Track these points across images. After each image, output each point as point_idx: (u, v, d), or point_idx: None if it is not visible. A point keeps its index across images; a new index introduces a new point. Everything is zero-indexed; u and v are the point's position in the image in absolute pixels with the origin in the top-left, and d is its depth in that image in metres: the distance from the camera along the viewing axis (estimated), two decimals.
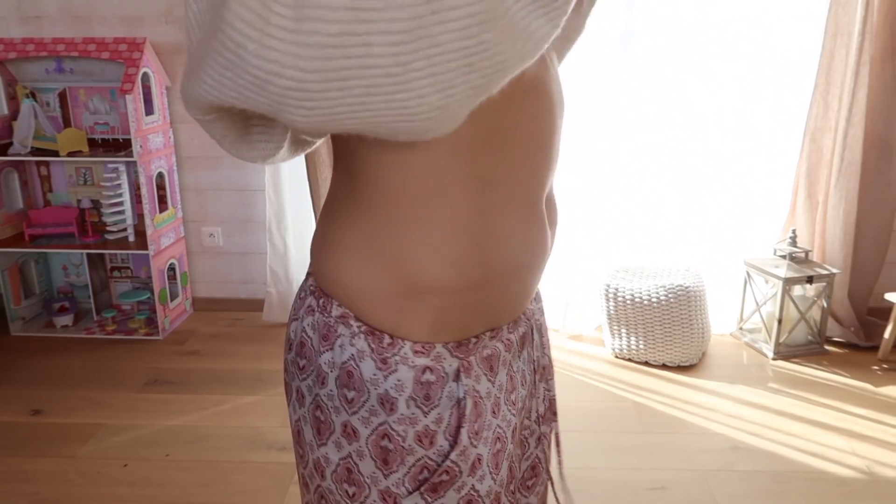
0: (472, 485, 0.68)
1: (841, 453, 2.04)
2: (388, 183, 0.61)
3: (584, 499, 1.85)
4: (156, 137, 2.73)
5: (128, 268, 3.02)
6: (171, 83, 2.81)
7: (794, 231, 2.68)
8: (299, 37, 0.46)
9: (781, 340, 2.64)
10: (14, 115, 2.73)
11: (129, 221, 2.81)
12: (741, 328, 2.81)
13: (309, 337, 0.68)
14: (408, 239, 0.62)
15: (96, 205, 2.88)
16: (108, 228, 2.77)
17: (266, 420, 2.22)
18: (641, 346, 2.58)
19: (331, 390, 0.66)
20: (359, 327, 0.64)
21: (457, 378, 0.66)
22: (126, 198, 2.79)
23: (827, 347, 2.71)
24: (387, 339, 0.64)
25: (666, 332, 2.53)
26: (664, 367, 2.57)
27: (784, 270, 2.57)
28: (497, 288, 0.66)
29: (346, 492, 0.67)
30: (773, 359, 2.63)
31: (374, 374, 0.64)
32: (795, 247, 2.66)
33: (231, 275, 3.05)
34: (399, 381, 0.64)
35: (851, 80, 2.51)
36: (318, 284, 0.68)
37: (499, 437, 0.71)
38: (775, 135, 2.71)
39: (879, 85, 2.57)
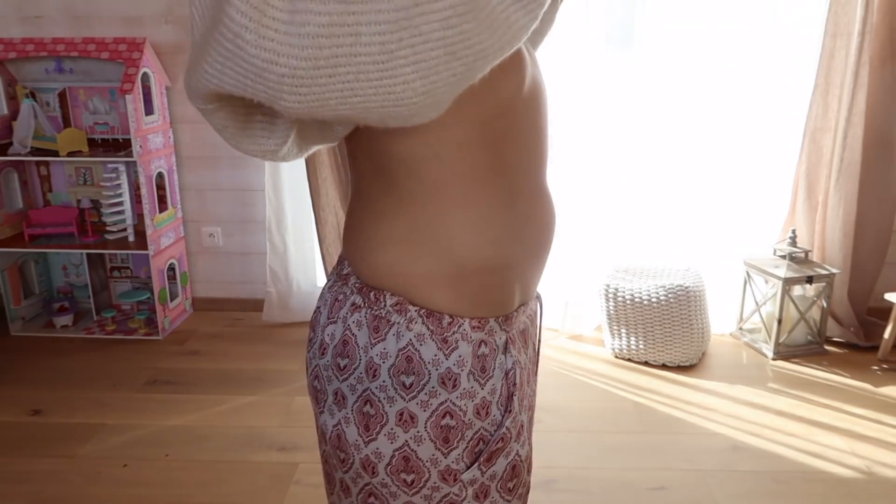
0: (517, 450, 0.73)
1: (840, 453, 2.04)
2: (429, 176, 0.66)
3: (584, 499, 1.85)
4: (155, 137, 2.73)
5: (127, 268, 3.02)
6: (170, 83, 2.81)
7: (793, 231, 2.68)
8: (293, 27, 0.50)
9: (781, 340, 2.64)
10: (14, 115, 2.73)
11: (129, 221, 2.81)
12: (741, 328, 2.81)
13: (353, 334, 0.70)
14: (454, 225, 0.67)
15: (96, 205, 2.87)
16: (107, 228, 2.77)
17: (266, 420, 2.22)
18: (641, 347, 2.58)
19: (384, 381, 0.68)
20: (417, 311, 0.68)
21: (505, 350, 0.72)
22: (126, 198, 2.79)
23: (827, 347, 2.71)
24: (446, 320, 0.68)
25: (666, 332, 2.53)
26: (664, 367, 2.58)
27: (784, 270, 2.58)
28: (527, 263, 0.73)
29: (405, 480, 0.69)
30: (773, 359, 2.63)
31: (436, 355, 0.68)
32: (795, 247, 2.66)
33: (231, 275, 3.05)
34: (460, 356, 0.68)
35: (851, 80, 2.51)
36: (366, 280, 0.71)
37: (531, 406, 0.78)
38: (775, 135, 2.71)
39: (879, 85, 2.57)
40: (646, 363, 2.60)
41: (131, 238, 2.80)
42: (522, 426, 0.74)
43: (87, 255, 2.84)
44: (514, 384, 0.71)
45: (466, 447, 0.69)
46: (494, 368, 0.70)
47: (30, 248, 2.72)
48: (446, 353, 0.68)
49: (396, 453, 0.69)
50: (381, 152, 0.68)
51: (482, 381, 0.69)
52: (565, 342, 2.81)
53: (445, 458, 0.69)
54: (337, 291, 0.74)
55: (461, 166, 0.66)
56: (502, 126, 0.67)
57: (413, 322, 0.68)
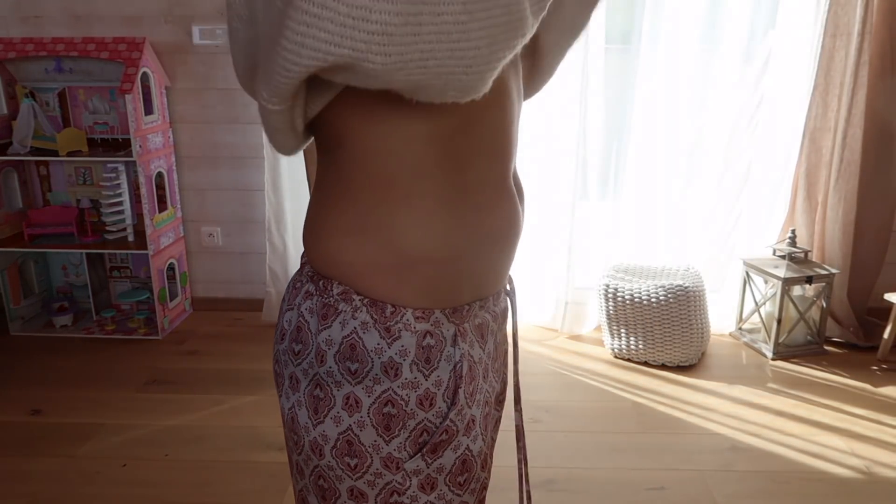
0: (467, 444, 0.73)
1: (840, 453, 2.04)
2: (376, 168, 0.67)
3: (583, 499, 1.85)
4: (155, 137, 2.73)
5: (127, 267, 3.02)
6: (170, 83, 2.81)
7: (793, 231, 2.68)
8: None
9: (781, 341, 2.64)
10: (13, 114, 2.73)
11: (129, 221, 2.81)
12: (740, 328, 2.82)
13: (306, 321, 0.72)
14: (399, 216, 0.68)
15: (96, 204, 2.87)
16: (107, 228, 2.77)
17: (265, 420, 2.22)
18: (641, 347, 2.58)
19: (330, 367, 0.69)
20: (361, 300, 0.69)
21: (454, 342, 0.72)
22: (125, 197, 2.79)
23: (826, 348, 2.71)
24: (389, 309, 0.69)
25: (665, 332, 2.53)
26: (663, 367, 2.58)
27: (783, 271, 2.58)
28: (480, 257, 0.72)
29: (348, 464, 0.70)
30: (773, 359, 2.63)
31: (378, 344, 0.69)
32: (795, 247, 2.66)
33: (230, 274, 3.05)
34: (403, 346, 0.69)
35: (851, 80, 2.51)
36: (316, 269, 0.72)
37: (486, 401, 0.77)
38: (775, 135, 2.71)
39: (879, 85, 2.57)
40: (645, 363, 2.60)
41: (131, 238, 2.80)
42: (473, 420, 0.74)
43: (87, 254, 2.84)
44: (461, 377, 0.71)
45: (409, 437, 0.70)
46: (440, 360, 0.71)
47: (29, 248, 2.72)
48: (389, 341, 0.69)
49: (341, 437, 0.70)
50: (333, 141, 0.69)
51: (426, 372, 0.70)
52: (565, 342, 2.81)
53: (387, 445, 0.70)
54: (296, 280, 0.76)
55: (410, 160, 0.66)
56: (455, 122, 0.67)
57: (357, 311, 0.69)
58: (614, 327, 2.63)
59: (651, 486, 1.90)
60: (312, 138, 0.74)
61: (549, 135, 2.69)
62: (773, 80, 2.66)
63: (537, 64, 0.79)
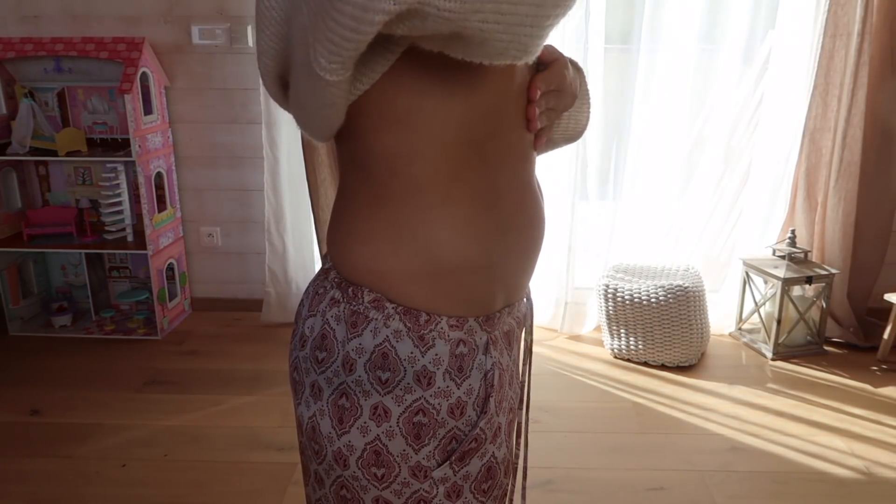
0: (493, 452, 0.73)
1: (840, 454, 2.04)
2: (410, 174, 0.66)
3: (583, 499, 1.85)
4: (154, 137, 2.73)
5: (126, 268, 3.02)
6: (169, 83, 2.81)
7: (793, 231, 2.67)
8: None
9: (780, 341, 2.63)
10: (13, 114, 2.72)
11: (128, 221, 2.81)
12: (740, 328, 2.81)
13: (332, 328, 0.70)
14: (435, 222, 0.67)
15: (95, 205, 2.87)
16: (106, 228, 2.77)
17: (264, 420, 2.22)
18: (640, 347, 2.58)
19: (359, 376, 0.68)
20: (394, 308, 0.68)
21: (486, 351, 0.71)
22: (125, 198, 2.78)
23: (826, 348, 2.71)
24: (423, 317, 0.68)
25: (665, 332, 2.53)
26: (663, 367, 2.57)
27: (783, 271, 2.57)
28: (513, 262, 0.72)
29: (375, 475, 0.69)
30: (772, 359, 2.63)
31: (412, 352, 0.68)
32: (794, 247, 2.66)
33: (230, 275, 3.05)
34: (437, 355, 0.68)
35: (851, 80, 2.51)
36: (345, 276, 0.71)
37: (511, 408, 0.77)
38: (775, 135, 2.71)
39: (878, 85, 2.57)
40: (645, 363, 2.60)
41: (130, 238, 2.80)
42: (500, 428, 0.73)
43: (86, 254, 2.84)
44: (492, 386, 0.71)
45: (438, 445, 0.69)
46: (472, 369, 0.70)
47: (28, 248, 2.71)
48: (422, 350, 0.68)
49: (368, 447, 0.69)
50: (363, 148, 0.68)
51: (458, 381, 0.69)
52: (564, 342, 2.80)
53: (416, 454, 0.69)
54: (318, 285, 0.74)
55: (444, 165, 0.66)
56: (488, 126, 0.67)
57: (390, 319, 0.68)
58: (614, 327, 2.63)
59: (651, 486, 1.90)
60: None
61: None
62: (773, 80, 2.66)
63: None
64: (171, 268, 2.90)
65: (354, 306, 0.69)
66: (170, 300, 2.90)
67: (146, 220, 2.69)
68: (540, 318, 2.91)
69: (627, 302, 2.56)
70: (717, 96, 2.70)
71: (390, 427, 0.68)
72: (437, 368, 0.68)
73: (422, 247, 0.67)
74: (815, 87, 2.58)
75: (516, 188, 0.71)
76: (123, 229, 2.80)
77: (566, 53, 0.80)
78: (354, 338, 0.68)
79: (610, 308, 2.61)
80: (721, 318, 2.84)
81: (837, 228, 2.66)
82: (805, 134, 2.64)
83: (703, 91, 2.70)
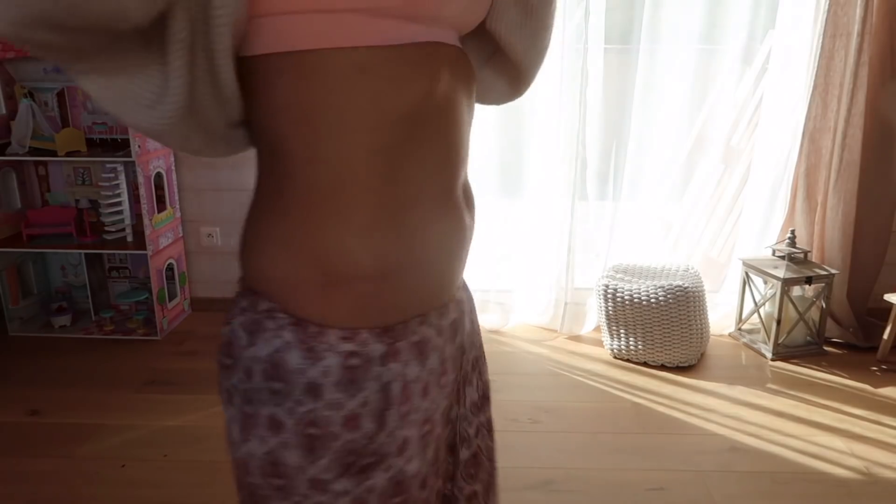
0: (401, 466, 0.70)
1: (839, 454, 2.04)
2: (310, 179, 0.64)
3: (582, 499, 1.85)
4: None
5: (126, 268, 3.02)
6: None
7: (792, 231, 2.67)
8: None
9: (780, 341, 2.63)
10: (12, 114, 2.72)
11: (128, 221, 2.81)
12: (740, 329, 2.81)
13: (238, 336, 0.69)
14: (329, 230, 0.65)
15: (94, 205, 2.87)
16: (106, 228, 2.77)
17: None
18: (640, 347, 2.58)
19: (257, 385, 0.67)
20: (285, 319, 0.66)
21: (383, 363, 0.68)
22: (124, 198, 2.78)
23: (826, 348, 2.71)
24: (312, 329, 0.66)
25: (664, 332, 2.53)
26: (663, 367, 2.57)
27: (783, 271, 2.57)
28: (419, 273, 0.69)
29: (273, 485, 0.68)
30: (772, 359, 2.63)
31: (300, 364, 0.66)
32: (794, 247, 2.66)
33: (229, 275, 3.05)
34: (326, 367, 0.66)
35: (850, 80, 2.51)
36: (248, 282, 0.70)
37: (427, 420, 0.73)
38: (775, 135, 2.71)
39: (878, 85, 2.57)
40: (644, 364, 2.60)
41: (130, 238, 2.80)
42: (406, 441, 0.70)
43: (86, 255, 2.84)
44: (391, 398, 0.68)
45: (335, 458, 0.67)
46: (367, 381, 0.67)
47: (28, 249, 2.71)
48: (311, 362, 0.66)
49: (266, 456, 0.68)
50: (269, 151, 0.66)
51: (351, 393, 0.67)
52: (564, 343, 2.80)
53: (312, 466, 0.67)
54: (236, 292, 0.74)
55: (346, 172, 0.63)
56: (402, 134, 0.64)
57: (282, 329, 0.66)
58: (614, 328, 2.63)
59: (650, 486, 1.90)
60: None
61: (548, 135, 2.69)
62: (773, 80, 2.66)
63: (514, 69, 0.82)
64: (170, 268, 2.90)
65: (253, 315, 0.68)
66: (169, 300, 2.90)
67: (146, 221, 2.69)
68: (539, 318, 2.92)
69: (627, 302, 2.56)
70: (717, 96, 2.70)
71: (285, 438, 0.67)
72: (326, 380, 0.66)
73: (314, 255, 0.65)
74: (814, 87, 2.58)
75: (433, 197, 0.68)
76: (123, 229, 2.80)
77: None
78: (251, 347, 0.67)
79: (609, 308, 2.61)
80: (721, 318, 2.84)
81: (837, 228, 2.66)
82: (805, 134, 2.64)
83: (703, 91, 2.70)
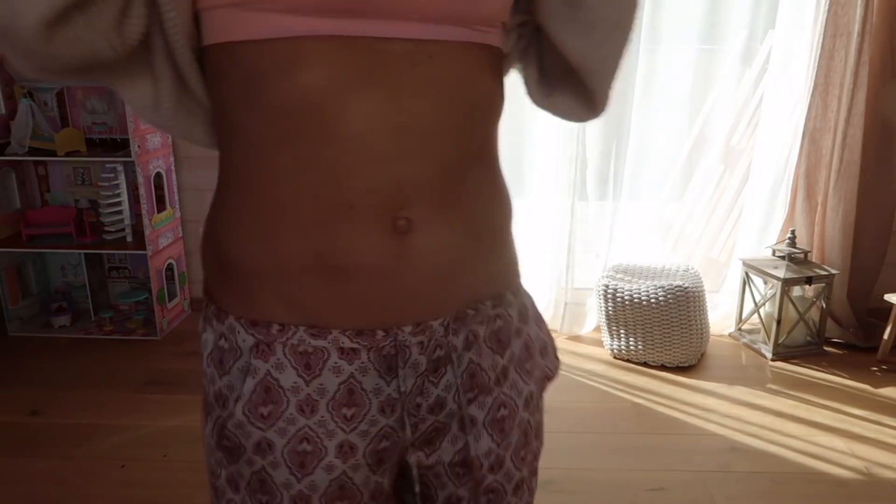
0: (264, 466, 0.68)
1: (840, 454, 2.04)
2: (227, 165, 0.68)
3: (582, 500, 1.85)
4: (154, 137, 2.73)
5: (126, 268, 3.02)
6: None
7: (792, 232, 2.67)
8: None
9: (780, 341, 2.63)
10: (11, 114, 2.72)
11: (127, 221, 2.80)
12: (740, 329, 2.81)
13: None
14: (225, 220, 0.69)
15: (94, 205, 2.87)
16: (105, 228, 2.76)
17: None
18: (640, 347, 2.58)
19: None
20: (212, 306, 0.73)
21: (253, 355, 0.67)
22: (124, 198, 2.78)
23: (826, 348, 2.71)
24: (205, 301, 0.74)
25: (664, 332, 2.53)
26: (663, 367, 2.57)
27: (783, 271, 2.57)
28: (308, 282, 0.64)
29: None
30: (772, 360, 2.63)
31: (200, 331, 0.75)
32: (794, 247, 2.66)
33: None
34: (205, 339, 0.72)
35: (850, 80, 2.51)
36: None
37: (307, 439, 0.67)
38: (775, 135, 2.71)
39: (878, 85, 2.57)
40: (644, 364, 2.60)
41: (129, 238, 2.80)
42: (270, 446, 0.67)
43: (85, 255, 2.83)
44: (252, 391, 0.66)
45: (213, 426, 0.71)
46: (233, 368, 0.69)
47: (28, 249, 2.71)
48: (201, 332, 0.74)
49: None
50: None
51: (220, 373, 0.71)
52: (564, 343, 2.80)
53: (204, 427, 0.73)
54: None
55: (232, 162, 0.66)
56: (274, 132, 0.61)
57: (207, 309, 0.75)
58: (613, 328, 2.63)
59: (650, 486, 1.90)
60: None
61: (547, 135, 2.69)
62: (773, 81, 2.66)
63: (578, 80, 0.73)
64: (170, 268, 2.90)
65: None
66: (169, 300, 2.90)
67: (145, 221, 2.69)
68: None
69: (627, 302, 2.56)
70: (717, 96, 2.70)
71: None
72: (204, 351, 0.72)
73: (214, 242, 0.72)
74: (815, 88, 2.58)
75: (312, 205, 0.63)
76: (123, 229, 2.80)
77: None
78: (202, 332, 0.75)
79: (609, 308, 2.61)
80: (721, 318, 2.84)
81: (837, 229, 2.66)
82: (805, 134, 2.64)
83: (703, 91, 2.70)
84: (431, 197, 0.64)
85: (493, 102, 0.69)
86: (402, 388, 0.68)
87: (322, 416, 0.67)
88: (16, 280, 2.85)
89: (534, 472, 0.81)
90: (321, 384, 0.67)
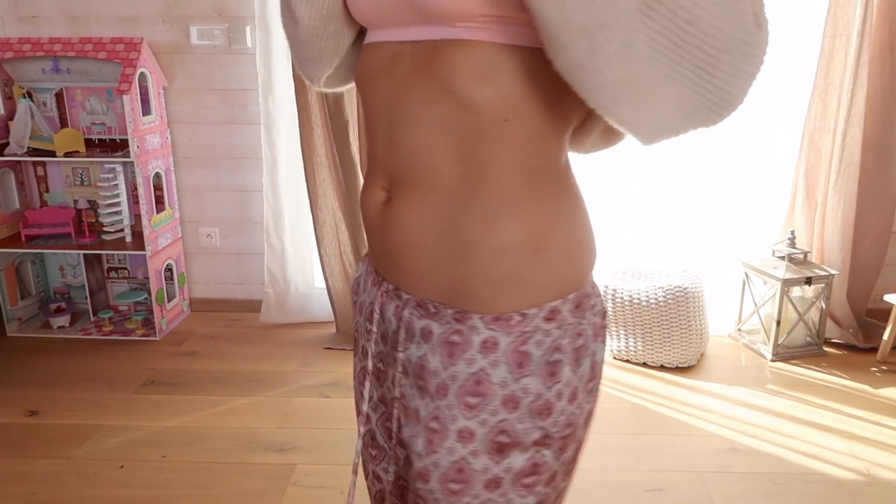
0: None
1: (839, 455, 2.04)
2: None
3: (582, 500, 1.85)
4: (153, 138, 2.73)
5: (125, 268, 3.02)
6: (168, 83, 2.80)
7: (792, 232, 2.67)
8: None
9: (780, 342, 2.63)
10: (10, 115, 2.72)
11: (127, 222, 2.80)
12: (739, 329, 2.81)
13: None
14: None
15: (93, 205, 2.87)
16: (105, 229, 2.76)
17: (263, 421, 2.22)
18: (640, 347, 2.58)
19: None
20: None
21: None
22: (123, 198, 2.78)
23: (825, 349, 2.70)
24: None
25: (664, 333, 2.53)
26: (662, 368, 2.57)
27: (782, 272, 2.57)
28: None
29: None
30: (772, 360, 2.63)
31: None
32: (794, 248, 2.65)
33: (228, 275, 3.05)
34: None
35: (850, 80, 2.50)
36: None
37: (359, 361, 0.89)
38: (774, 136, 2.71)
39: (878, 86, 2.57)
40: (644, 364, 2.60)
41: (128, 239, 2.79)
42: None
43: (84, 255, 2.83)
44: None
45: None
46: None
47: (27, 249, 2.71)
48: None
49: None
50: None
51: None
52: None
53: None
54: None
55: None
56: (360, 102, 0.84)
57: None
58: (613, 328, 2.63)
59: (650, 487, 1.90)
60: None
61: None
62: (773, 80, 2.66)
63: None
64: (169, 268, 2.90)
65: None
66: (168, 301, 2.90)
67: (144, 221, 2.69)
68: None
69: (627, 302, 2.56)
70: None
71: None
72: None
73: None
74: (814, 88, 2.58)
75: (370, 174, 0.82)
76: (122, 230, 2.80)
77: None
78: None
79: (609, 309, 2.61)
80: (720, 318, 2.84)
81: (837, 229, 2.66)
82: (804, 134, 2.64)
83: None
84: (406, 178, 0.72)
85: (494, 104, 0.66)
86: (389, 329, 0.80)
87: (366, 346, 0.84)
88: (15, 280, 2.85)
89: None
90: (362, 300, 0.87)
